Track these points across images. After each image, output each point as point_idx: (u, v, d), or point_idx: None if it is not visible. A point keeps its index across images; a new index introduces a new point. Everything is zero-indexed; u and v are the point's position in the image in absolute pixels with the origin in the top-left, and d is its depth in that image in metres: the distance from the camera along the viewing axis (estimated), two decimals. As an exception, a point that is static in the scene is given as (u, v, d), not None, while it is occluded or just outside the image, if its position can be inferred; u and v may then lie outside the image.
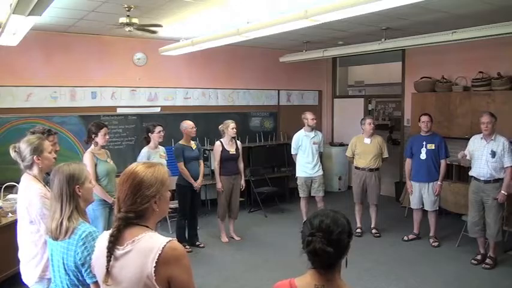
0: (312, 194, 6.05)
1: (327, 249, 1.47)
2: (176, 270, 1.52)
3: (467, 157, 4.97)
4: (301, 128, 6.12)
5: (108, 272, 1.56)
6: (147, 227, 1.60)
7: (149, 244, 1.53)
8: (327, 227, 1.51)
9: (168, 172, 1.73)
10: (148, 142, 5.09)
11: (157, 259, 1.49)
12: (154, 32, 5.07)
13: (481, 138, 4.81)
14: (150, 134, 5.06)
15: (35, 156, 2.57)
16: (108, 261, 1.55)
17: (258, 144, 7.88)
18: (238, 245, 5.65)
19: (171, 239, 1.56)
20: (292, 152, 6.16)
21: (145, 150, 5.03)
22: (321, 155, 6.20)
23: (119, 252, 1.56)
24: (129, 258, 1.54)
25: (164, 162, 4.94)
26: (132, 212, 1.57)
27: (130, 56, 6.72)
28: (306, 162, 5.99)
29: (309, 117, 6.01)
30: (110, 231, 1.60)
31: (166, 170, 1.68)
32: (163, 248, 1.51)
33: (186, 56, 6.74)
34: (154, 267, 1.49)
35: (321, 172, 6.07)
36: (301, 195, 6.10)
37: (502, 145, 4.65)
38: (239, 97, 7.90)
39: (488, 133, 4.72)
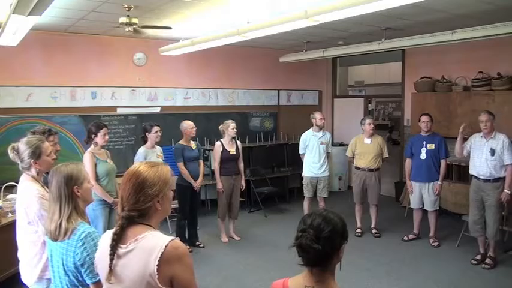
0: (317, 195, 6.03)
1: (313, 245, 1.49)
2: (178, 269, 1.53)
3: (464, 152, 4.98)
4: (309, 128, 6.08)
5: (111, 271, 1.56)
6: (150, 225, 1.61)
7: (152, 243, 1.54)
8: (318, 225, 1.53)
9: (171, 171, 1.73)
10: (145, 142, 5.08)
11: (160, 258, 1.50)
12: (165, 28, 5.04)
13: (481, 136, 4.81)
14: (147, 133, 5.06)
15: (32, 160, 2.56)
16: (111, 259, 1.56)
17: (258, 144, 7.88)
18: (238, 245, 5.66)
19: (173, 238, 1.56)
20: (300, 152, 6.13)
21: (142, 150, 5.02)
22: (328, 155, 6.17)
23: (122, 250, 1.56)
24: (132, 257, 1.55)
25: (161, 162, 4.94)
26: (135, 210, 1.58)
27: (130, 56, 6.72)
28: (312, 162, 5.97)
29: (317, 117, 5.99)
30: (113, 230, 1.60)
31: (169, 170, 1.69)
32: (166, 246, 1.51)
33: (186, 56, 6.73)
34: (157, 265, 1.49)
35: (327, 173, 6.04)
36: (305, 195, 6.08)
37: (502, 142, 4.65)
38: (239, 97, 7.89)
39: (488, 131, 4.72)
